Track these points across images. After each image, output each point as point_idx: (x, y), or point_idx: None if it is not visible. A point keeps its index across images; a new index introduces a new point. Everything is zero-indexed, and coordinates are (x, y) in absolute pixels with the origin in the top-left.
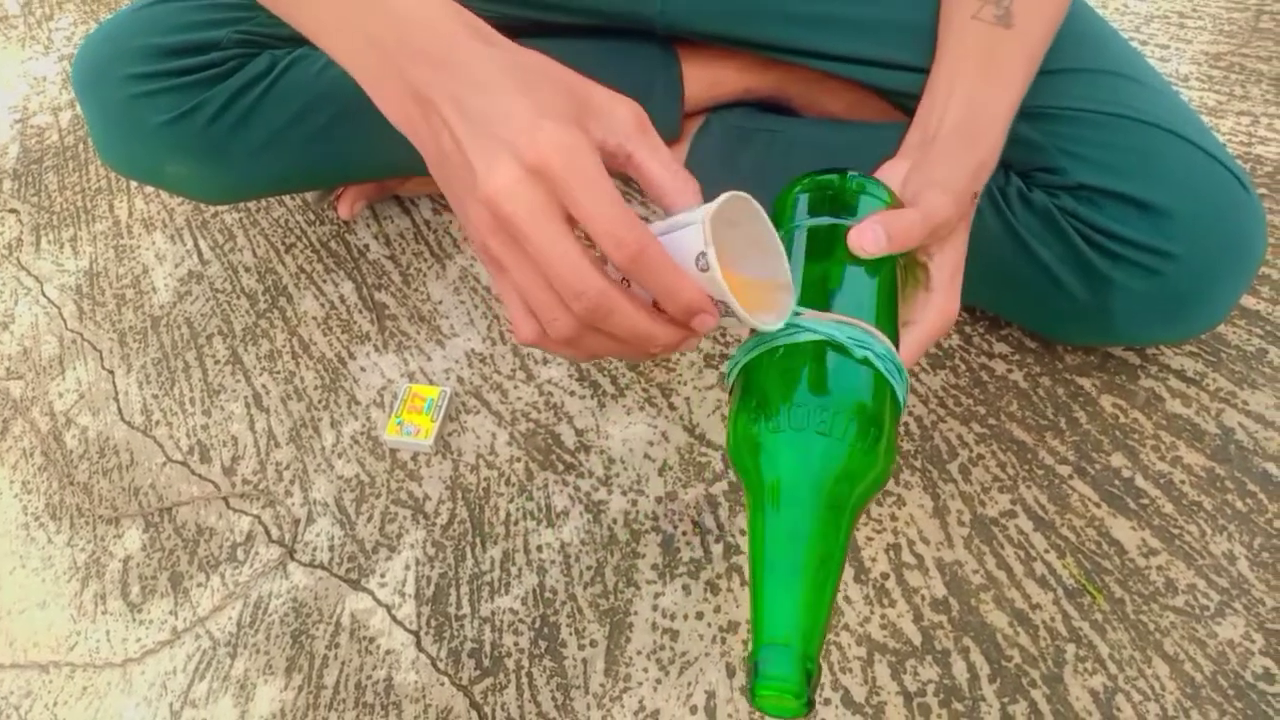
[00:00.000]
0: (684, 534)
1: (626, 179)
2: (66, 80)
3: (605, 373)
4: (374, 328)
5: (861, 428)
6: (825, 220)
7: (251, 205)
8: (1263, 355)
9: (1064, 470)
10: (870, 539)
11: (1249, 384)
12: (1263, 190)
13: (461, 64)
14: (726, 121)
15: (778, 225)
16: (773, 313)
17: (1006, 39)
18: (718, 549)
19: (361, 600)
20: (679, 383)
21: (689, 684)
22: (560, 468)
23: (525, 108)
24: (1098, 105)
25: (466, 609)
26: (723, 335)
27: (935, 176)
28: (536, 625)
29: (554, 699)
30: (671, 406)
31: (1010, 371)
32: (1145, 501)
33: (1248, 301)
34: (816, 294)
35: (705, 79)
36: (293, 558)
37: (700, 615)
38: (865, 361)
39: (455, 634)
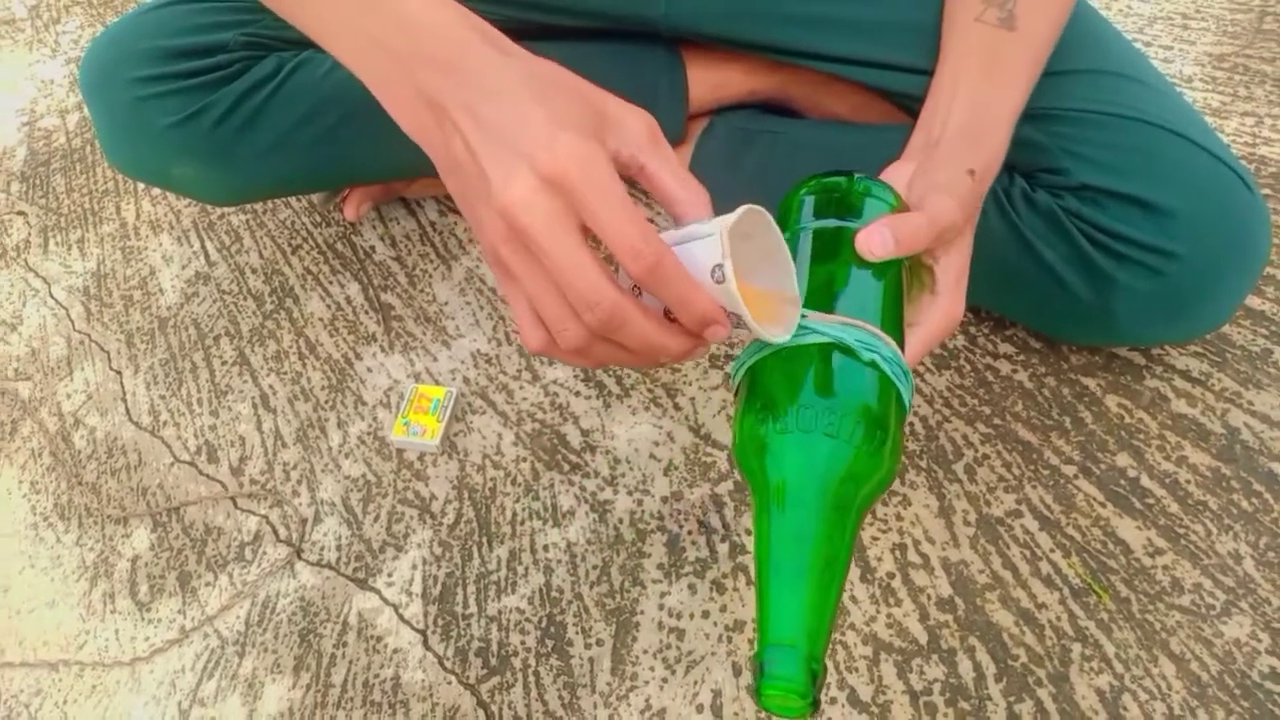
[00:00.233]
0: (689, 533)
1: (632, 182)
2: (74, 83)
3: (610, 373)
4: (380, 329)
5: (868, 430)
6: (831, 222)
7: (258, 207)
8: (1268, 355)
9: (1069, 470)
10: (876, 539)
11: (1254, 384)
12: (1267, 190)
13: (474, 71)
14: (731, 123)
15: (783, 227)
16: (780, 325)
17: (1010, 41)
18: (723, 548)
19: (369, 599)
20: (684, 383)
21: (695, 683)
22: (566, 468)
23: (541, 118)
24: (1101, 106)
25: (473, 608)
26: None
27: (940, 180)
28: (543, 624)
29: (561, 697)
30: (677, 407)
31: (1015, 372)
32: (1151, 501)
33: (1253, 302)
34: (822, 296)
35: (710, 81)
36: (300, 557)
37: (706, 614)
38: (872, 364)
39: (462, 633)
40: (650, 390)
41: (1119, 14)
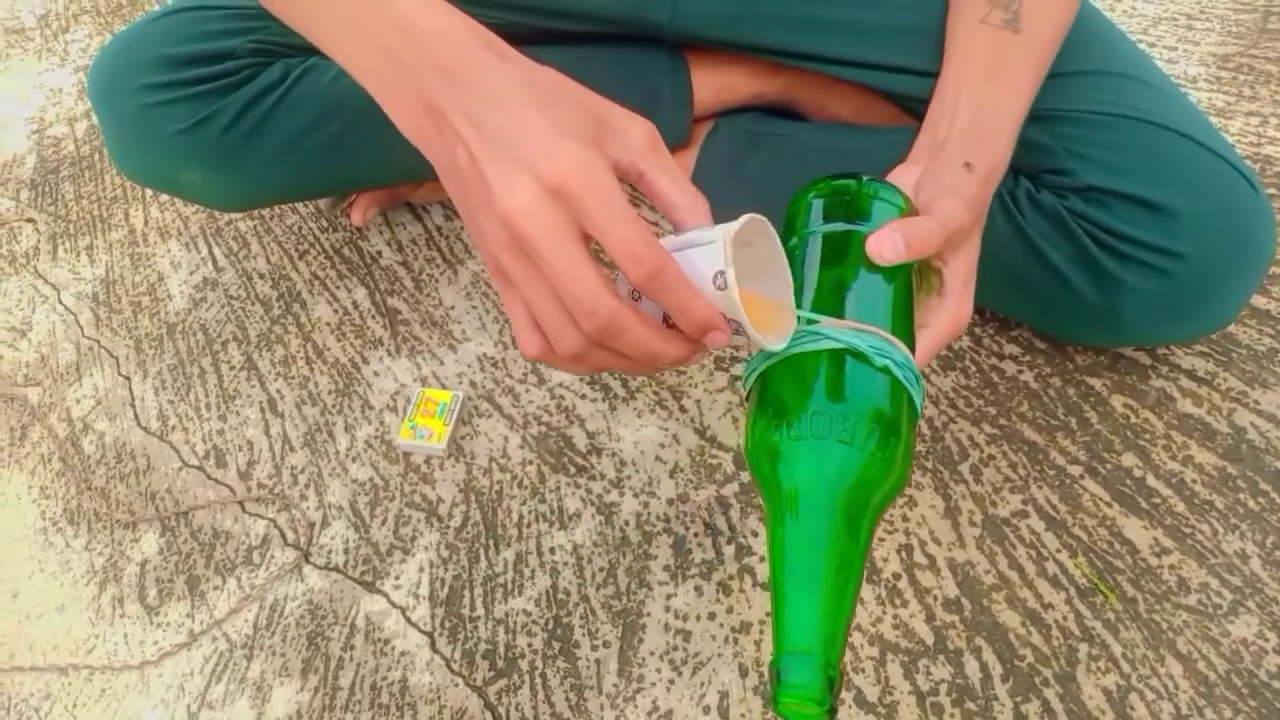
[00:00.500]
0: (696, 535)
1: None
2: (82, 91)
3: (616, 376)
4: (387, 333)
5: (882, 436)
6: (840, 226)
7: (265, 213)
8: (1274, 355)
9: (1075, 470)
10: (882, 539)
11: (1260, 383)
12: (1272, 190)
13: (476, 78)
14: (735, 126)
15: (791, 230)
16: (777, 333)
17: (1014, 43)
18: (729, 550)
19: (376, 602)
20: (690, 385)
21: (702, 684)
22: (572, 470)
23: (543, 125)
24: (1106, 107)
25: (480, 610)
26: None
27: (949, 183)
28: (550, 626)
29: (568, 699)
30: (682, 409)
31: (1021, 372)
32: (1157, 501)
33: (1258, 301)
34: (832, 300)
35: (714, 84)
36: (308, 561)
37: (713, 616)
38: (885, 370)
39: (469, 635)
40: (656, 393)
41: (1123, 15)
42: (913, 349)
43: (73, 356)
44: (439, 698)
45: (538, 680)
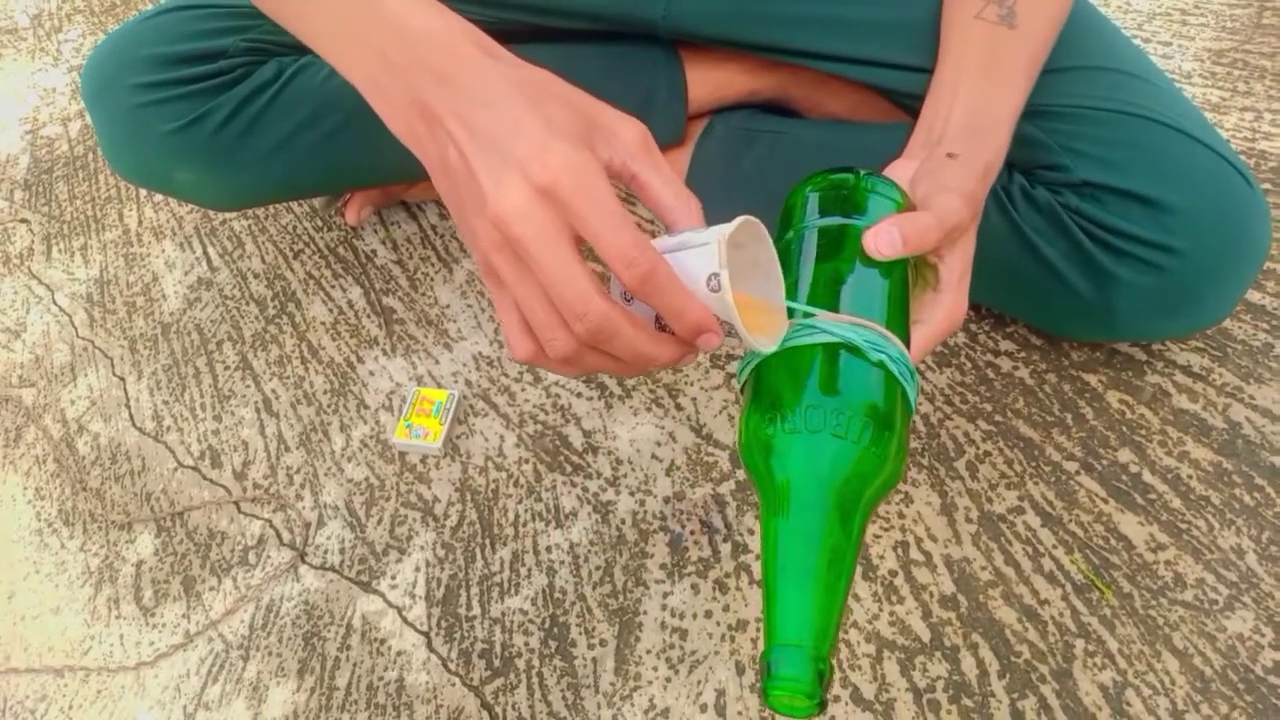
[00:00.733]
0: (692, 533)
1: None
2: (75, 91)
3: (611, 375)
4: (382, 332)
5: (876, 430)
6: (837, 220)
7: (260, 212)
8: (1269, 350)
9: (1071, 466)
10: (878, 536)
11: (1255, 378)
12: (1267, 185)
13: (468, 79)
14: (730, 123)
15: (788, 224)
16: (769, 335)
17: (1010, 39)
18: (726, 548)
19: (372, 602)
20: (685, 383)
21: (699, 682)
22: (568, 469)
23: (534, 126)
24: (1100, 102)
25: (477, 610)
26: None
27: (945, 179)
28: (546, 625)
29: (564, 698)
30: (679, 407)
31: (1016, 368)
32: (1153, 496)
33: (1253, 296)
34: (828, 294)
35: (709, 82)
36: (304, 561)
37: (709, 614)
38: (880, 365)
39: (466, 635)
40: (652, 391)
41: (1117, 10)
42: (908, 344)
43: (67, 357)
44: (435, 697)
45: (534, 679)
